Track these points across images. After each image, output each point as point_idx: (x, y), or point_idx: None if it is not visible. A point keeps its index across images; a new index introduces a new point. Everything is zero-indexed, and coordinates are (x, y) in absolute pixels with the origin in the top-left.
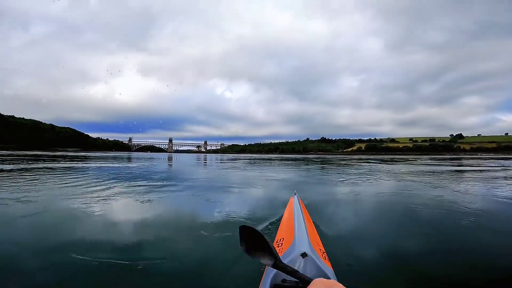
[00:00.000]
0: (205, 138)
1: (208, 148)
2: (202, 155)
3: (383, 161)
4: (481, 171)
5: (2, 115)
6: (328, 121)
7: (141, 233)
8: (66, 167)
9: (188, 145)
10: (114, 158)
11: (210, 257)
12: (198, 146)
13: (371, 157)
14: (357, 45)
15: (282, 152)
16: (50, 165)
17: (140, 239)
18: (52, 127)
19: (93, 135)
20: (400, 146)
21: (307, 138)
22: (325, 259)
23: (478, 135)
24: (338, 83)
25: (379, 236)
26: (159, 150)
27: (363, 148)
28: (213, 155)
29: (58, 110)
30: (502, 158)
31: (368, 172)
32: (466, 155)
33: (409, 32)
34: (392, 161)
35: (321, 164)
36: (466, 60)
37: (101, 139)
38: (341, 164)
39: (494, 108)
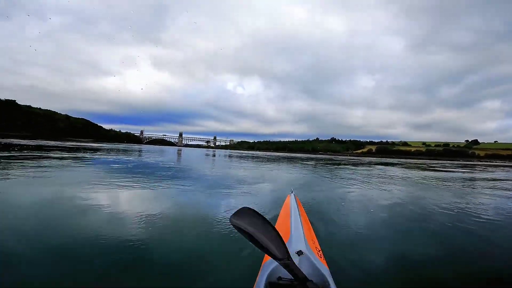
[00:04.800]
0: (215, 133)
1: (218, 143)
2: (211, 150)
3: (394, 165)
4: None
5: (18, 104)
6: (339, 121)
7: (140, 227)
8: None
9: (198, 140)
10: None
11: (208, 252)
12: (207, 141)
13: (383, 160)
14: (376, 43)
15: (291, 151)
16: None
17: (139, 233)
18: (67, 117)
19: (106, 126)
20: (412, 150)
21: (317, 138)
22: (321, 257)
23: (495, 141)
24: (353, 82)
25: (379, 240)
26: (169, 143)
27: (373, 151)
28: (222, 151)
29: (73, 101)
30: None
31: (376, 176)
32: (481, 161)
33: (433, 31)
34: (404, 165)
35: (328, 165)
36: (491, 62)
37: (114, 130)
38: (349, 166)
39: None
